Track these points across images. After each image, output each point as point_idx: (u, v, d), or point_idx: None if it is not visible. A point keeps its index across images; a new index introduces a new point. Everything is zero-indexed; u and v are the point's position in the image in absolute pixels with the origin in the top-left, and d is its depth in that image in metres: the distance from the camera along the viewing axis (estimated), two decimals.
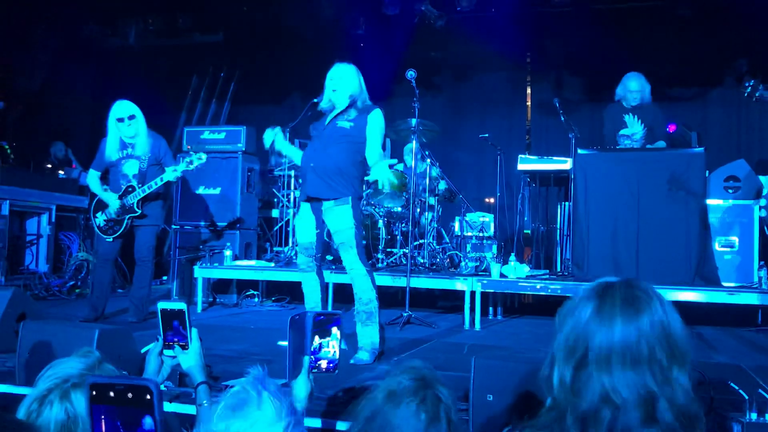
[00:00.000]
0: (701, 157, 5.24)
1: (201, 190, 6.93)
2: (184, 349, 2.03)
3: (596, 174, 5.35)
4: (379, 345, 3.87)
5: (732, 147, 7.83)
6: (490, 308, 5.83)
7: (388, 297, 5.85)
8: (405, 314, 5.04)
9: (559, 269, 6.19)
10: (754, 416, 2.23)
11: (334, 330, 2.03)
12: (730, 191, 5.71)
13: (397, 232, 6.47)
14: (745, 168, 5.80)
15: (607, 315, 1.35)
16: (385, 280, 5.41)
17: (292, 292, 6.26)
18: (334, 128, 3.95)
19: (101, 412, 1.46)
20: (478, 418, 2.37)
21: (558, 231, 6.59)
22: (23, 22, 8.50)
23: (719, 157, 6.44)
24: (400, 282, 5.38)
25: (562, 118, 5.70)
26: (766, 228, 5.53)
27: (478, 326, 5.23)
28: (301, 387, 1.97)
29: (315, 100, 4.08)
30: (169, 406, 2.63)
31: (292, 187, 7.27)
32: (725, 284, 5.25)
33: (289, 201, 7.28)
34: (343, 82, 3.96)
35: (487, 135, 6.87)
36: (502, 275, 5.51)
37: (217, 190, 6.90)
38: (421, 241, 6.39)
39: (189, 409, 2.59)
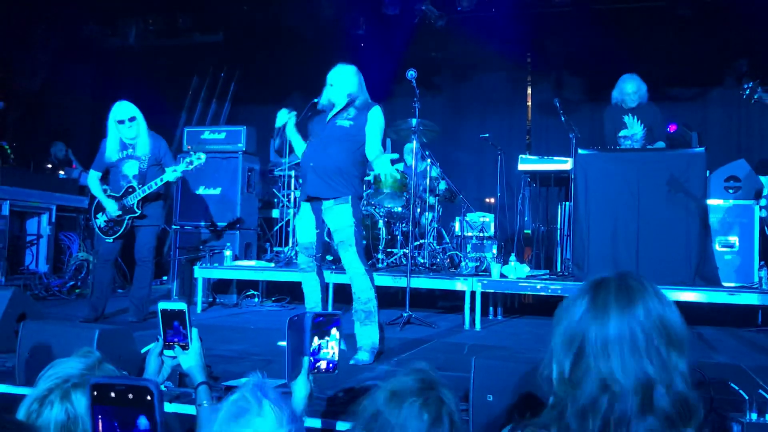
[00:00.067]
0: (701, 157, 5.24)
1: (201, 190, 6.93)
2: (184, 350, 2.03)
3: (596, 174, 5.35)
4: (378, 345, 3.87)
5: (732, 147, 7.83)
6: (491, 308, 5.83)
7: (388, 297, 5.85)
8: (405, 314, 5.04)
9: (559, 269, 6.19)
10: (754, 416, 2.23)
11: (333, 331, 2.03)
12: (731, 191, 5.71)
13: (397, 232, 6.47)
14: (745, 168, 5.80)
15: (602, 305, 1.36)
16: (385, 280, 5.41)
17: (292, 292, 6.26)
18: (333, 127, 3.96)
19: (101, 413, 1.46)
20: (478, 419, 2.37)
21: (558, 231, 6.59)
22: (23, 22, 8.50)
23: (719, 157, 6.44)
24: (400, 282, 5.38)
25: (563, 118, 5.70)
26: (766, 228, 5.53)
27: (478, 326, 5.23)
28: (301, 388, 1.97)
29: (315, 100, 4.09)
30: (169, 407, 2.63)
31: (292, 187, 7.27)
32: (725, 284, 5.25)
33: (289, 201, 7.28)
34: (340, 79, 3.97)
35: (487, 135, 6.87)
36: (502, 275, 5.51)
37: (218, 191, 6.91)
38: (421, 241, 6.39)
39: (189, 410, 2.59)
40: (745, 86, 4.00)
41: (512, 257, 5.74)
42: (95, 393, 1.46)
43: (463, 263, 6.12)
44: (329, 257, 6.17)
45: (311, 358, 1.99)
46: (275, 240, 7.50)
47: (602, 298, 1.37)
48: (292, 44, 8.55)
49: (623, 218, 5.21)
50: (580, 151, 5.44)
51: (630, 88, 5.79)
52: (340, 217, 3.88)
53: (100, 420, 1.46)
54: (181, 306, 2.03)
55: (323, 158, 3.92)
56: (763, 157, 7.37)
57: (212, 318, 5.73)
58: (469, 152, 8.58)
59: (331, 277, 5.39)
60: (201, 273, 6.10)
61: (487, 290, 5.43)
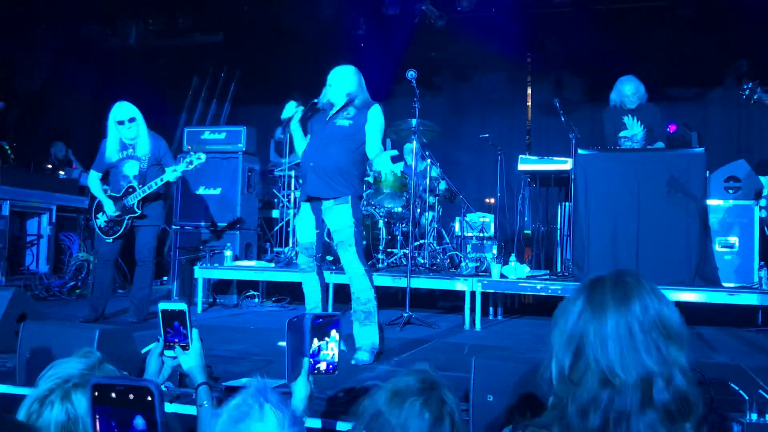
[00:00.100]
0: (702, 157, 5.24)
1: (201, 191, 6.93)
2: (184, 350, 2.03)
3: (596, 174, 5.35)
4: (378, 345, 3.87)
5: (732, 147, 7.83)
6: (491, 308, 5.83)
7: (388, 297, 5.85)
8: (405, 314, 5.04)
9: (559, 269, 6.19)
10: (754, 417, 2.23)
11: (333, 332, 2.03)
12: (731, 191, 5.71)
13: (397, 233, 6.47)
14: (745, 168, 5.80)
15: (598, 302, 1.37)
16: (385, 280, 5.41)
17: (293, 292, 6.26)
18: (333, 127, 3.96)
19: (101, 413, 1.46)
20: (478, 419, 2.37)
21: (558, 231, 6.59)
22: (23, 22, 8.50)
23: (719, 157, 6.44)
24: (400, 282, 5.38)
25: (563, 119, 5.70)
26: (766, 228, 5.53)
27: (478, 326, 5.23)
28: (301, 388, 1.97)
29: (315, 101, 4.09)
30: (169, 407, 2.63)
31: (293, 188, 7.27)
32: (725, 284, 5.25)
33: (289, 201, 7.28)
34: (339, 80, 3.98)
35: (487, 135, 6.87)
36: (502, 275, 5.51)
37: (218, 191, 6.91)
38: (421, 241, 6.39)
39: (190, 410, 2.59)
40: (745, 86, 4.01)
41: (512, 257, 5.74)
42: (96, 393, 1.46)
43: (463, 263, 6.12)
44: (329, 257, 6.17)
45: (311, 360, 2.00)
46: (275, 240, 7.50)
47: (599, 295, 1.38)
48: (292, 44, 8.55)
49: (623, 218, 5.21)
50: (580, 151, 5.44)
51: (628, 90, 5.79)
52: (339, 217, 3.88)
53: (97, 420, 1.46)
54: (182, 306, 2.03)
55: (323, 158, 3.92)
56: (763, 157, 7.37)
57: (212, 318, 5.74)
58: (469, 152, 8.58)
59: (332, 278, 5.39)
60: (201, 273, 6.10)
61: (487, 290, 5.43)
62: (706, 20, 7.45)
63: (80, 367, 1.63)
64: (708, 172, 5.52)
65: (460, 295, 5.41)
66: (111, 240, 5.21)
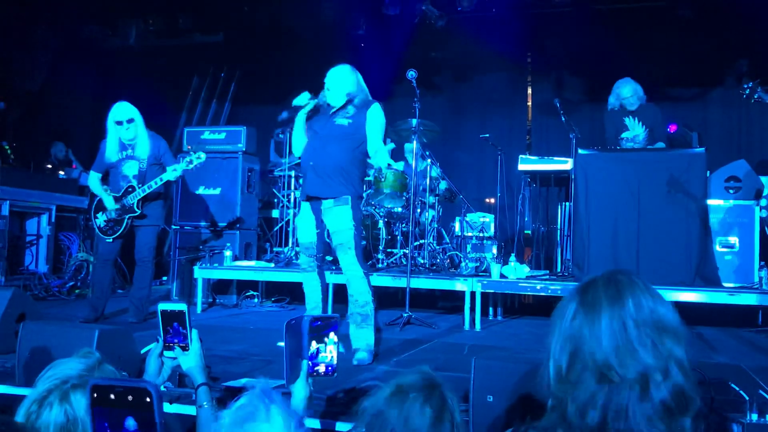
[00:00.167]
0: (702, 157, 5.23)
1: (201, 191, 6.93)
2: (184, 350, 2.03)
3: (597, 174, 5.35)
4: (374, 347, 3.86)
5: (732, 147, 7.82)
6: (491, 309, 5.82)
7: (388, 297, 5.85)
8: (405, 315, 5.03)
9: (559, 270, 6.19)
10: (754, 417, 2.23)
11: (331, 335, 2.03)
12: (731, 191, 5.71)
13: (397, 233, 6.47)
14: (745, 168, 5.80)
15: (591, 301, 1.38)
16: (385, 280, 5.41)
17: (292, 292, 6.25)
18: (333, 126, 3.94)
19: (100, 414, 1.46)
20: (478, 419, 2.37)
21: (558, 231, 6.59)
22: (23, 22, 8.50)
23: (720, 157, 6.44)
24: (400, 282, 5.38)
25: (563, 119, 5.70)
26: (766, 228, 5.52)
27: (478, 327, 5.22)
28: (300, 390, 1.97)
29: (315, 101, 4.08)
30: (169, 408, 2.63)
31: (293, 188, 7.27)
32: (725, 285, 5.25)
33: (289, 201, 7.28)
34: (337, 81, 3.96)
35: (487, 135, 6.87)
36: (502, 276, 5.51)
37: (218, 191, 6.90)
38: (421, 241, 6.39)
39: (189, 411, 2.59)
40: (745, 86, 4.01)
41: (512, 257, 5.73)
42: (95, 395, 1.46)
43: (463, 263, 6.12)
44: (329, 258, 6.16)
45: (309, 362, 1.99)
46: (275, 240, 7.50)
47: (591, 294, 1.39)
48: (292, 44, 8.55)
49: (623, 218, 5.21)
50: (580, 151, 5.44)
51: (627, 93, 5.80)
52: (339, 218, 3.87)
53: (97, 421, 1.46)
54: (181, 307, 2.03)
55: (323, 157, 3.91)
56: (763, 157, 7.37)
57: (212, 318, 5.73)
58: (469, 152, 8.58)
59: (332, 278, 5.38)
60: (201, 273, 6.10)
61: (487, 290, 5.43)
62: (706, 20, 7.44)
63: (79, 368, 1.63)
64: (708, 172, 5.52)
65: (460, 295, 5.40)
66: (111, 240, 5.21)
